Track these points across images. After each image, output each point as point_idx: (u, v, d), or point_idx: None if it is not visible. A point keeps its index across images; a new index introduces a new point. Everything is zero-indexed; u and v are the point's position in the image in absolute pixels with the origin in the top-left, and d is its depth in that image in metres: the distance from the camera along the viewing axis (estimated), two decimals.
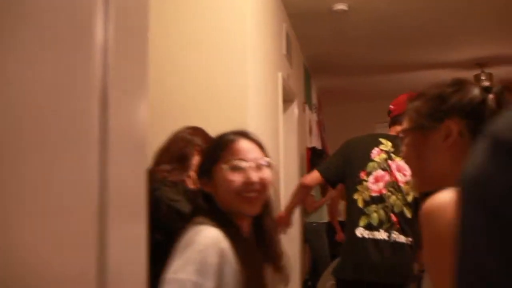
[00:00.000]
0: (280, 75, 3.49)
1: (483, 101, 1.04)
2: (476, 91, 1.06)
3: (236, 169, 1.41)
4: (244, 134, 1.49)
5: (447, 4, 4.05)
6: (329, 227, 5.51)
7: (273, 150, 3.20)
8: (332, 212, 5.53)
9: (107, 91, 0.91)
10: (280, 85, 3.49)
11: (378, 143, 2.80)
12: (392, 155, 2.76)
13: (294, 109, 4.52)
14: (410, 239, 2.66)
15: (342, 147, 2.92)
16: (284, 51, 3.83)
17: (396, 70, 6.52)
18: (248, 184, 1.40)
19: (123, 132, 0.99)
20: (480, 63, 6.16)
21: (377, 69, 6.56)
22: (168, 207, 1.70)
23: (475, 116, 1.03)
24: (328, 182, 2.94)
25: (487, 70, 6.31)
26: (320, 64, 6.04)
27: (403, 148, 1.16)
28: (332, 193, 5.28)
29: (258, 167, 1.43)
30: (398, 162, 2.73)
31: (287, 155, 4.03)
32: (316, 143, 6.45)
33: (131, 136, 1.01)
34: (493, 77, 6.27)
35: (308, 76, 5.93)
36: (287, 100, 4.20)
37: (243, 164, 1.41)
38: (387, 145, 2.79)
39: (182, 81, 2.51)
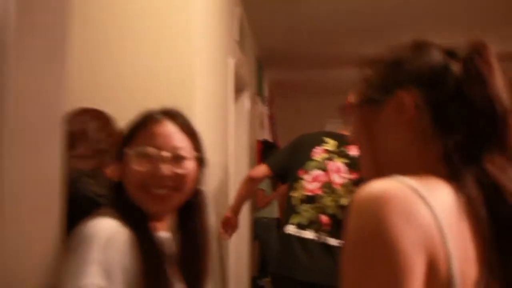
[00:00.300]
0: (231, 61, 3.29)
1: (446, 67, 0.85)
2: (437, 56, 0.87)
3: (143, 156, 1.17)
4: (172, 116, 1.24)
5: None
6: (280, 223, 5.39)
7: (222, 142, 3.02)
8: (282, 208, 5.42)
9: (6, 48, 0.70)
10: (231, 72, 3.29)
11: (322, 142, 2.79)
12: (334, 155, 2.74)
13: (245, 99, 4.34)
14: (342, 241, 2.57)
15: (291, 143, 2.93)
16: (236, 37, 3.64)
17: (352, 64, 6.41)
18: (155, 177, 1.16)
19: (29, 101, 0.78)
20: None
21: (332, 62, 6.44)
22: (91, 203, 1.36)
23: (435, 85, 0.85)
24: (275, 175, 2.94)
25: None
26: (273, 55, 5.88)
27: (351, 128, 0.97)
28: (282, 188, 5.17)
29: (176, 158, 1.19)
30: (338, 163, 2.72)
31: (237, 148, 3.85)
32: (267, 136, 6.32)
33: (42, 107, 0.78)
34: None
35: (260, 67, 5.77)
36: (238, 90, 4.01)
37: (153, 151, 1.17)
38: (331, 144, 2.77)
39: (120, 63, 2.26)
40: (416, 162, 0.83)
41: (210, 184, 2.56)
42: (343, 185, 2.66)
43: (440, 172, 0.79)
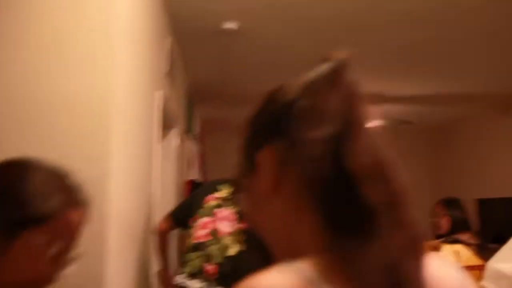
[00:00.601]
0: (158, 95, 2.98)
1: (287, 108, 0.67)
2: (285, 96, 0.70)
3: (53, 251, 0.90)
4: (86, 201, 0.99)
5: (347, 30, 3.80)
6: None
7: (145, 183, 2.69)
8: None
9: None
10: (159, 106, 2.98)
11: (215, 190, 2.75)
12: (224, 203, 2.69)
13: (173, 136, 4.02)
14: None
15: (192, 192, 3.02)
16: (165, 70, 3.34)
17: None
18: (50, 279, 0.91)
19: None
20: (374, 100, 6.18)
21: None
22: None
23: (289, 132, 0.65)
24: (178, 225, 2.88)
25: (378, 108, 6.30)
26: (204, 90, 5.64)
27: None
28: None
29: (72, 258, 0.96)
30: (226, 212, 2.65)
31: (163, 188, 3.51)
32: (196, 176, 6.00)
33: None
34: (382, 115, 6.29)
35: (191, 102, 5.48)
36: (166, 127, 3.69)
37: (68, 250, 0.93)
38: (223, 192, 2.73)
39: (21, 91, 1.91)
40: (300, 241, 0.64)
41: (132, 229, 2.24)
42: (231, 234, 2.59)
43: (327, 252, 0.59)
